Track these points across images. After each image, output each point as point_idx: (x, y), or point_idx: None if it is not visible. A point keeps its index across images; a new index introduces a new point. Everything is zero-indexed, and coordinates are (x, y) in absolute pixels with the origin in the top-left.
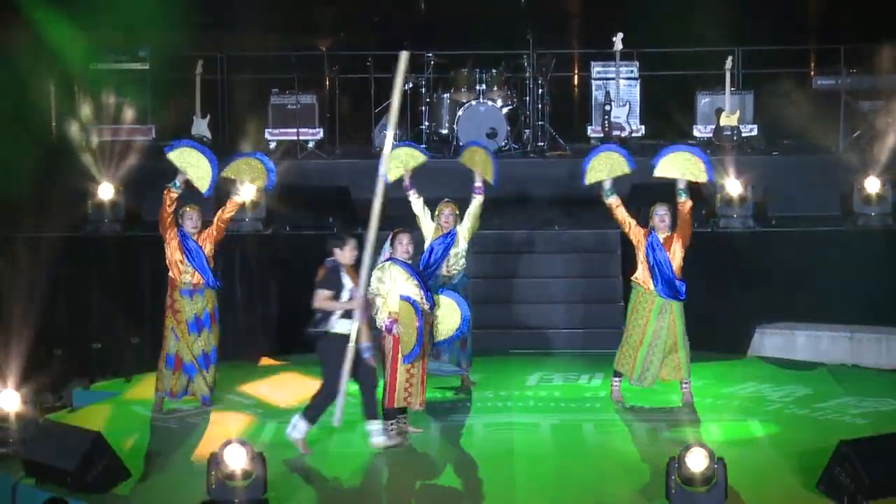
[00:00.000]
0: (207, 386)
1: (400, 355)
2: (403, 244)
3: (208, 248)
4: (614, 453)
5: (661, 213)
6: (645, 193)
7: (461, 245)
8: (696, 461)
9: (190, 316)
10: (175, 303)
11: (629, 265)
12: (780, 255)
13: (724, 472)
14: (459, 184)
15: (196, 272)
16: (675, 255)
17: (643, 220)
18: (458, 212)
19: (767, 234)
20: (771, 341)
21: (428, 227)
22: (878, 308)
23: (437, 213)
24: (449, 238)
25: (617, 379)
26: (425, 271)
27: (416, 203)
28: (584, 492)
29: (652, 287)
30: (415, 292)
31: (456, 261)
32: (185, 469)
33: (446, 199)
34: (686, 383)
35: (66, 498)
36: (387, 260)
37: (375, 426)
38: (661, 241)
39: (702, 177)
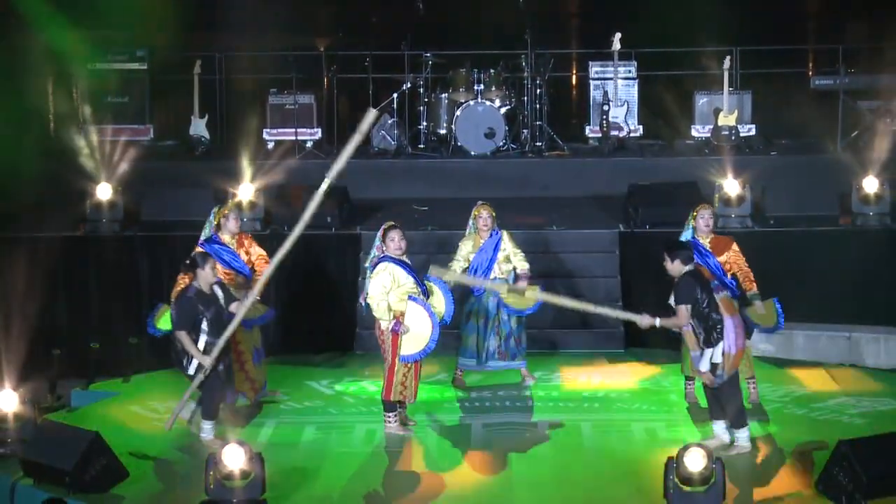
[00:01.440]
0: (261, 381)
1: (399, 353)
2: (395, 241)
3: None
4: (613, 453)
5: (705, 217)
6: (644, 192)
7: (509, 247)
8: (695, 461)
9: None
10: None
11: (627, 265)
12: (778, 254)
13: (722, 472)
14: (458, 184)
15: (237, 273)
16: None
17: (643, 220)
18: (494, 213)
19: (765, 234)
20: (769, 340)
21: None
22: (876, 308)
23: (473, 216)
24: (494, 240)
25: (690, 382)
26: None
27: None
28: (582, 492)
29: None
30: (415, 291)
31: (506, 260)
32: (183, 469)
33: (482, 202)
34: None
35: (65, 498)
36: (382, 259)
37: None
38: (708, 246)
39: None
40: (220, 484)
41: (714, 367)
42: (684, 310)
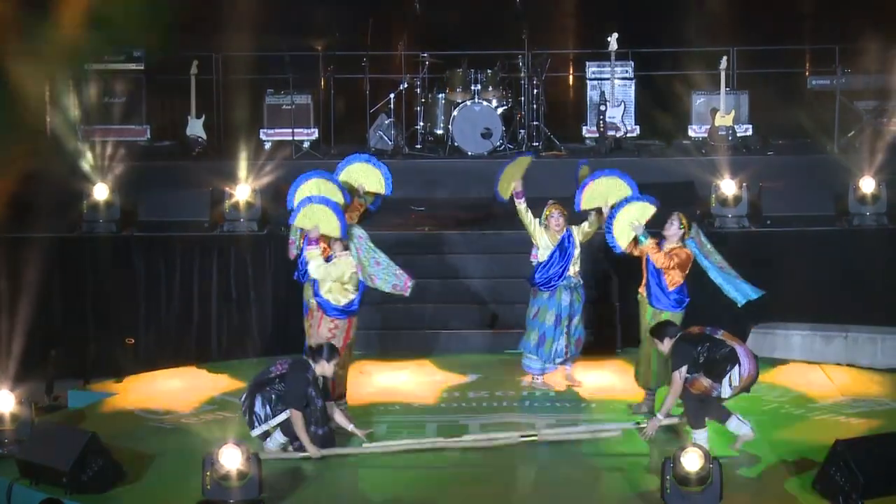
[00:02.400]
0: None
1: None
2: None
3: None
4: (610, 453)
5: (669, 220)
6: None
7: (580, 236)
8: (692, 461)
9: None
10: None
11: (624, 265)
12: (775, 255)
13: (719, 473)
14: (454, 184)
15: None
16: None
17: None
18: (566, 213)
19: (762, 234)
20: (766, 341)
21: (537, 232)
22: (873, 308)
23: (545, 216)
24: (568, 240)
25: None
26: (545, 273)
27: (523, 210)
28: (579, 492)
29: (646, 296)
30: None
31: (576, 261)
32: (180, 469)
33: (553, 201)
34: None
35: (62, 499)
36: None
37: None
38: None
39: (626, 191)
40: (218, 484)
41: (735, 389)
42: (676, 375)
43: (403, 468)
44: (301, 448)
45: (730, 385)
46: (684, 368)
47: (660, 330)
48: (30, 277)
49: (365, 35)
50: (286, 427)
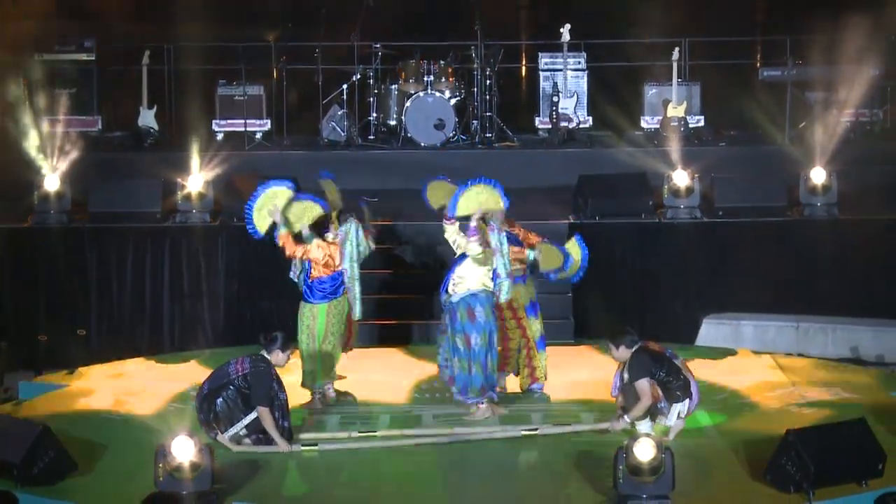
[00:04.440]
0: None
1: None
2: None
3: None
4: (562, 444)
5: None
6: (593, 184)
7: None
8: (644, 451)
9: None
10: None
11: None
12: (726, 245)
13: (671, 462)
14: (407, 175)
15: None
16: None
17: (592, 211)
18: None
19: (714, 225)
20: (718, 331)
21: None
22: (823, 298)
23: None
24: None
25: None
26: None
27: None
28: (532, 482)
29: None
30: None
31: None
32: (132, 461)
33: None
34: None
35: (13, 491)
36: None
37: None
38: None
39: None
40: (170, 476)
41: (678, 420)
42: (644, 383)
43: (352, 458)
44: (262, 442)
45: (677, 415)
46: (646, 379)
47: (617, 336)
48: None
49: (317, 26)
50: (251, 425)
